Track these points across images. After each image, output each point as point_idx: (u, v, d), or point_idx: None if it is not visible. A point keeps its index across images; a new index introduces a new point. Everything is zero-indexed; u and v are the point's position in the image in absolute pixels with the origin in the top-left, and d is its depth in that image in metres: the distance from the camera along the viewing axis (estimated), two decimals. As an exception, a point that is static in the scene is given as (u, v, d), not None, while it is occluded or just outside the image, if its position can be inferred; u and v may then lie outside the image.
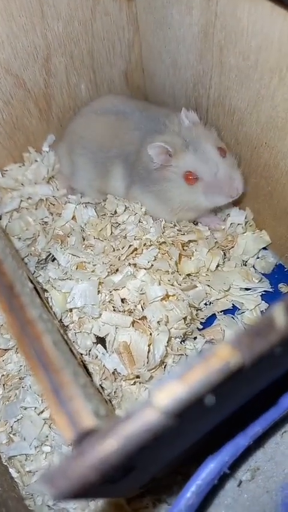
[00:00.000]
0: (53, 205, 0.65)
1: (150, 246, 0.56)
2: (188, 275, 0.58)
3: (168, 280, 0.54)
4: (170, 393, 0.20)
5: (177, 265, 0.56)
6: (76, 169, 0.62)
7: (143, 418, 0.20)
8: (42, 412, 0.50)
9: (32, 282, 0.47)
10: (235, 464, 0.43)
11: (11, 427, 0.52)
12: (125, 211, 0.60)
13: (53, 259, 0.60)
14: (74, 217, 0.62)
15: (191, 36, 0.53)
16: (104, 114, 0.59)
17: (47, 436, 0.49)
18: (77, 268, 0.55)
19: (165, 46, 0.59)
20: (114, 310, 0.53)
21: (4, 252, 0.28)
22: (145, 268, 0.54)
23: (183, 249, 0.57)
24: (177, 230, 0.59)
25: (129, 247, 0.55)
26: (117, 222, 0.59)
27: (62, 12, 0.55)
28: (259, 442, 0.47)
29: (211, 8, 0.48)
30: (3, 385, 0.54)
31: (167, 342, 0.51)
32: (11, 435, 0.52)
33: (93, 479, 0.20)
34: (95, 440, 0.20)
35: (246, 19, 0.45)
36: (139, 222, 0.59)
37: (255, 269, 0.61)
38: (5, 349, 0.55)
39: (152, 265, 0.55)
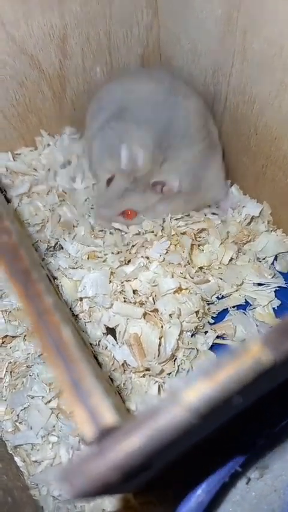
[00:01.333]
0: (65, 193, 0.63)
1: (161, 237, 0.55)
2: (200, 268, 0.56)
3: (181, 273, 0.53)
4: (198, 391, 0.19)
5: (190, 256, 0.54)
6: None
7: (168, 416, 0.19)
8: (49, 401, 0.49)
9: (43, 268, 0.46)
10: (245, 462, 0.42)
11: (17, 415, 0.51)
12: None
13: (61, 248, 0.58)
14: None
15: (213, 20, 0.51)
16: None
17: (53, 426, 0.49)
18: (88, 258, 0.54)
19: (185, 30, 0.57)
20: (125, 301, 0.51)
21: (20, 236, 0.27)
22: (157, 261, 0.53)
23: (196, 239, 0.56)
24: (187, 218, 0.58)
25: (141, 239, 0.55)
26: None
27: (80, -9, 0.53)
28: (268, 442, 0.46)
29: (237, -10, 0.46)
30: (10, 372, 0.53)
31: (179, 336, 0.50)
32: (17, 423, 0.51)
33: (114, 478, 0.19)
34: (117, 438, 0.19)
35: (273, 3, 0.43)
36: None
37: (270, 265, 0.59)
38: (13, 336, 0.54)
39: (164, 258, 0.53)
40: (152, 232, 0.55)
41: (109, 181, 0.55)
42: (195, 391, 0.19)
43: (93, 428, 0.20)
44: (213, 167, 0.58)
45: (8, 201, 0.62)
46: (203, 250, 0.57)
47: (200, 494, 0.37)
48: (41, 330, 0.22)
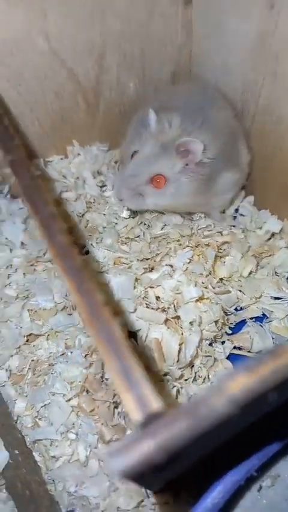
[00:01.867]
0: (93, 201, 0.66)
1: (186, 247, 0.57)
2: (221, 279, 0.58)
3: (203, 283, 0.55)
4: (240, 383, 0.21)
5: (213, 267, 0.56)
6: None
7: (211, 405, 0.21)
8: (70, 399, 0.51)
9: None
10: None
11: (37, 411, 0.53)
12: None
13: (87, 253, 0.61)
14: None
15: (246, 44, 0.54)
16: None
17: (73, 424, 0.50)
18: (114, 264, 0.56)
19: (217, 51, 0.60)
20: (147, 307, 0.53)
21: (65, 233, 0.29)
22: (181, 269, 0.55)
23: (219, 251, 0.58)
24: (211, 228, 0.60)
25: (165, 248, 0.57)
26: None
27: (121, 11, 0.56)
28: (282, 450, 0.47)
29: (272, 18, 0.48)
30: (33, 369, 0.55)
31: (198, 343, 0.51)
32: (37, 419, 0.52)
33: (158, 458, 0.20)
34: (164, 422, 0.21)
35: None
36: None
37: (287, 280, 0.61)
38: (37, 335, 0.56)
39: (187, 268, 0.55)
40: (178, 241, 0.57)
41: (134, 154, 0.56)
42: (237, 382, 0.21)
43: (142, 413, 0.22)
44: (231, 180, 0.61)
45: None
46: (224, 262, 0.59)
47: (216, 495, 0.38)
48: (93, 323, 0.24)
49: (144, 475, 0.23)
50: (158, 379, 0.51)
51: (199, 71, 0.66)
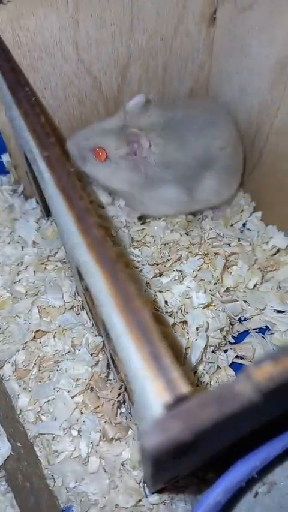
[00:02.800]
0: (103, 207, 0.68)
1: (196, 255, 0.59)
2: (227, 288, 0.60)
3: (211, 290, 0.56)
4: (265, 372, 0.22)
5: (221, 276, 0.58)
6: None
7: (237, 390, 0.22)
8: (75, 396, 0.52)
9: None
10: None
11: (41, 407, 0.53)
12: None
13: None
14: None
15: (266, 67, 0.57)
16: None
17: (77, 420, 0.51)
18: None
19: (237, 72, 0.63)
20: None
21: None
22: (191, 276, 0.56)
23: (227, 261, 0.59)
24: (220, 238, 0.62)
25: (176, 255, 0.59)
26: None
27: (148, 26, 0.59)
28: (279, 457, 0.48)
29: (294, 43, 0.51)
30: (38, 365, 0.56)
31: (204, 349, 0.53)
32: (40, 415, 0.53)
33: (186, 438, 0.22)
34: (192, 404, 0.22)
35: None
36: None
37: (290, 294, 0.63)
38: (45, 331, 0.57)
39: (197, 274, 0.57)
40: (188, 248, 0.59)
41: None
42: (263, 371, 0.22)
43: (171, 396, 0.23)
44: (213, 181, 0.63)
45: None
46: (231, 273, 0.61)
47: (219, 493, 0.39)
48: (125, 311, 0.26)
49: (171, 456, 0.24)
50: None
51: (217, 88, 0.69)
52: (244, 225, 0.69)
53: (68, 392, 0.52)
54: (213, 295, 0.56)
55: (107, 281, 0.27)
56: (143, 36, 0.60)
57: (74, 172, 0.33)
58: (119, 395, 0.50)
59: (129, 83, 0.65)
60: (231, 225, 0.69)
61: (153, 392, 0.24)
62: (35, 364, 0.56)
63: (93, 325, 0.56)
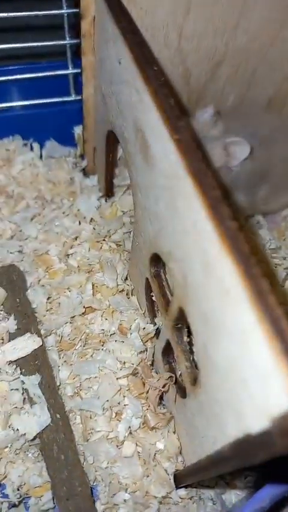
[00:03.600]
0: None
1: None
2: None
3: None
4: None
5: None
6: None
7: None
8: (120, 378, 0.52)
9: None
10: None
11: (80, 383, 0.53)
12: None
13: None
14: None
15: None
16: None
17: (119, 403, 0.51)
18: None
19: None
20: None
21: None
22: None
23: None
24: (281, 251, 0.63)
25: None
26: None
27: (251, 29, 0.59)
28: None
29: None
30: (84, 341, 0.56)
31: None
32: (78, 390, 0.53)
33: None
34: None
35: None
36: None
37: None
38: (95, 309, 0.57)
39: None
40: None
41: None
42: None
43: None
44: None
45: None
46: (284, 286, 0.61)
47: (265, 498, 0.40)
48: (258, 305, 0.26)
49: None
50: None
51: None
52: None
53: (115, 373, 0.52)
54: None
55: (241, 276, 0.27)
56: (243, 37, 0.60)
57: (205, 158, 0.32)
58: (164, 385, 0.50)
59: (216, 80, 0.64)
60: (284, 239, 0.69)
61: (285, 387, 0.24)
62: (80, 339, 0.56)
63: (145, 312, 0.56)
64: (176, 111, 0.35)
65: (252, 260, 0.28)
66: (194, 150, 0.33)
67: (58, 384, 0.53)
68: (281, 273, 0.58)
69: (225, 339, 0.30)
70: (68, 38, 0.61)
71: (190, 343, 0.44)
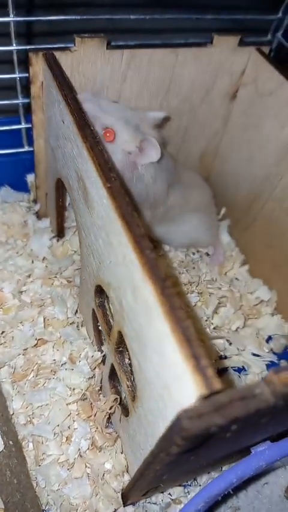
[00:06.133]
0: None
1: (192, 292, 0.66)
2: (214, 327, 0.67)
3: (202, 325, 0.63)
4: (283, 379, 0.29)
5: (212, 314, 0.65)
6: None
7: (259, 392, 0.29)
8: (70, 403, 0.56)
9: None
10: (219, 501, 0.50)
11: (33, 411, 0.57)
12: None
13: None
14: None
15: (275, 145, 0.67)
16: None
17: (69, 427, 0.55)
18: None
19: (248, 144, 0.73)
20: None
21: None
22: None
23: (219, 303, 0.67)
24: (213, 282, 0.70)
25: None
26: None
27: (181, 92, 0.69)
28: (243, 484, 0.53)
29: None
30: (36, 371, 0.59)
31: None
32: (31, 418, 0.56)
33: (219, 422, 0.28)
34: (224, 397, 0.29)
35: None
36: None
37: (266, 342, 0.71)
38: (46, 341, 0.61)
39: (191, 309, 0.64)
40: (185, 285, 0.66)
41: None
42: (281, 378, 0.29)
43: (207, 390, 0.29)
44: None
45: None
46: (218, 313, 0.68)
47: (200, 502, 0.44)
48: (172, 317, 0.32)
49: (199, 440, 0.30)
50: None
51: (225, 154, 0.79)
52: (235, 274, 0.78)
53: (65, 399, 0.56)
54: (203, 331, 0.63)
55: (156, 294, 0.33)
56: (175, 99, 0.69)
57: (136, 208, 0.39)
58: (111, 407, 0.54)
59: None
60: (225, 274, 0.77)
61: (192, 385, 0.29)
62: (32, 370, 0.59)
63: (92, 341, 0.61)
64: (108, 164, 0.43)
65: (167, 282, 0.34)
66: (122, 196, 0.40)
67: (11, 413, 0.56)
68: (215, 301, 0.65)
69: (150, 351, 0.36)
70: (20, 98, 0.68)
71: (130, 365, 0.49)
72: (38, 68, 0.56)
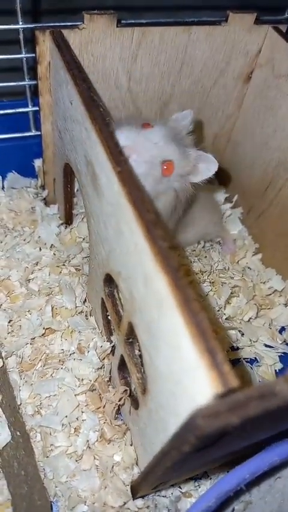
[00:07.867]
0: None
1: (204, 282, 0.64)
2: (227, 318, 0.65)
3: (215, 316, 0.61)
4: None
5: (225, 304, 0.63)
6: None
7: (278, 389, 0.27)
8: (78, 394, 0.55)
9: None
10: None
11: (41, 401, 0.56)
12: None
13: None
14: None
15: (291, 126, 0.64)
16: None
17: (77, 418, 0.54)
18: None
19: (262, 128, 0.70)
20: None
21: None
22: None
23: (231, 293, 0.65)
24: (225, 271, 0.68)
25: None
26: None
27: (194, 73, 0.66)
28: (257, 479, 0.52)
29: None
30: (44, 361, 0.58)
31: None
32: (39, 408, 0.55)
33: (233, 421, 0.26)
34: (241, 396, 0.27)
35: None
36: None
37: (280, 333, 0.69)
38: (54, 330, 0.60)
39: (204, 300, 0.62)
40: (196, 274, 0.64)
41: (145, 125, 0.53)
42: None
43: (223, 387, 0.27)
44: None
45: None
46: (231, 303, 0.66)
47: (211, 498, 0.43)
48: (186, 311, 0.30)
49: (214, 439, 0.28)
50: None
51: (238, 139, 0.77)
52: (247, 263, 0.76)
53: (73, 390, 0.55)
54: (215, 321, 0.61)
55: (169, 285, 0.32)
56: (187, 80, 0.67)
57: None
58: (120, 399, 0.53)
59: (165, 118, 0.71)
60: (237, 262, 0.75)
61: (207, 381, 0.28)
62: (40, 359, 0.58)
63: (101, 331, 0.60)
64: (118, 147, 0.40)
65: (180, 273, 0.33)
66: (132, 181, 0.38)
67: (19, 403, 0.55)
68: (227, 291, 0.63)
69: (162, 344, 0.34)
70: (27, 79, 0.66)
71: (141, 356, 0.48)
72: (45, 46, 0.54)
